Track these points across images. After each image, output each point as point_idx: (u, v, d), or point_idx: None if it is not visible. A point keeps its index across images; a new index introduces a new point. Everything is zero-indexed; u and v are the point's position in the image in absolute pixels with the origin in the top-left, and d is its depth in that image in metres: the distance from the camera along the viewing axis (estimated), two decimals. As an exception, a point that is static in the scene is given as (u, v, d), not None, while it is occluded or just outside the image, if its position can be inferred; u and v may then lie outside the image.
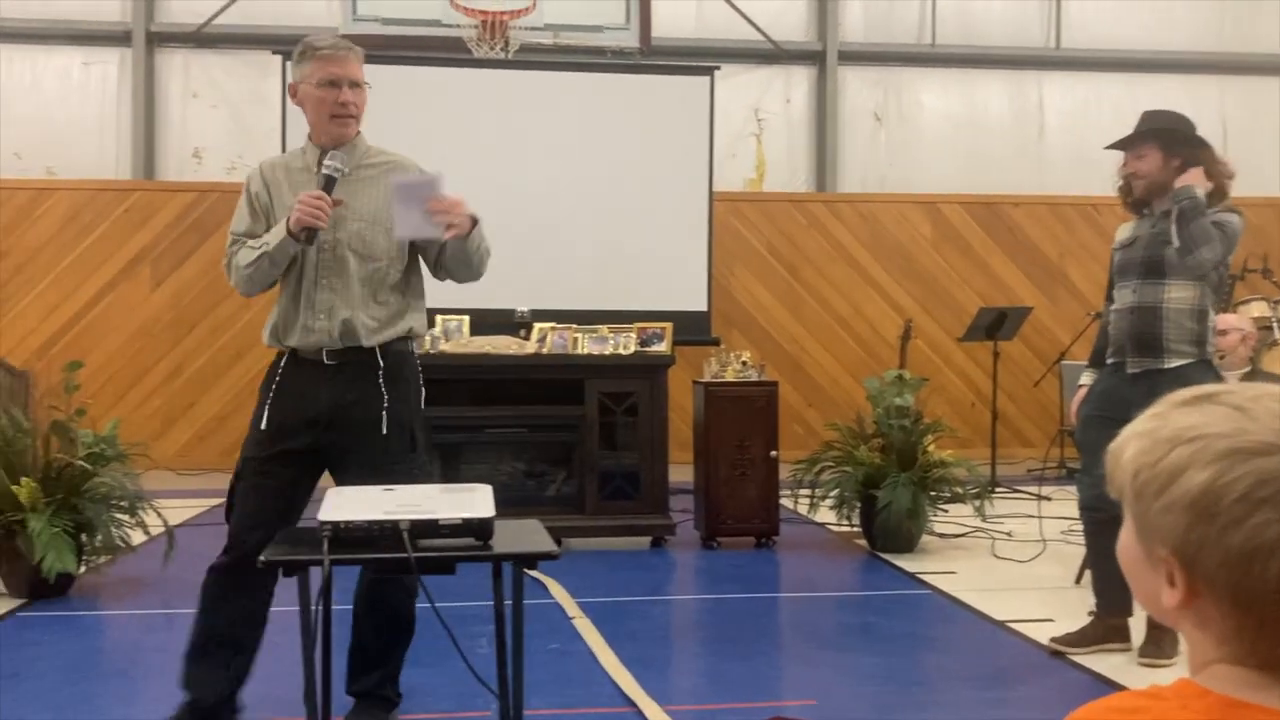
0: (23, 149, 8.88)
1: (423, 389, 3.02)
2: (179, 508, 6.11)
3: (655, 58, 7.97)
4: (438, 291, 6.64)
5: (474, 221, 2.83)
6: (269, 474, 2.86)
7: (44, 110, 8.94)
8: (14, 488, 4.54)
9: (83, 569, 4.69)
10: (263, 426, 2.86)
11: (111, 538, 4.69)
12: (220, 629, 2.88)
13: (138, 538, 4.85)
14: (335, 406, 2.85)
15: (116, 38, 8.95)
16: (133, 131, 8.92)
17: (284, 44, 7.99)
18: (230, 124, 8.82)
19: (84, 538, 4.65)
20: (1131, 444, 0.94)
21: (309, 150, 2.99)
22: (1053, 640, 3.92)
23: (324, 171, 2.81)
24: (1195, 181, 3.68)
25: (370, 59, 7.67)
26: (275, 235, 2.82)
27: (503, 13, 7.08)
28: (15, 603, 4.55)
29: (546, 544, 2.29)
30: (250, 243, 2.91)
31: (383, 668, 2.99)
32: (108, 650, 4.09)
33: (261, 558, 2.24)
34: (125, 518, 4.78)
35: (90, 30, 8.93)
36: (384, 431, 2.85)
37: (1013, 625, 4.25)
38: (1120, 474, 0.94)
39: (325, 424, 2.85)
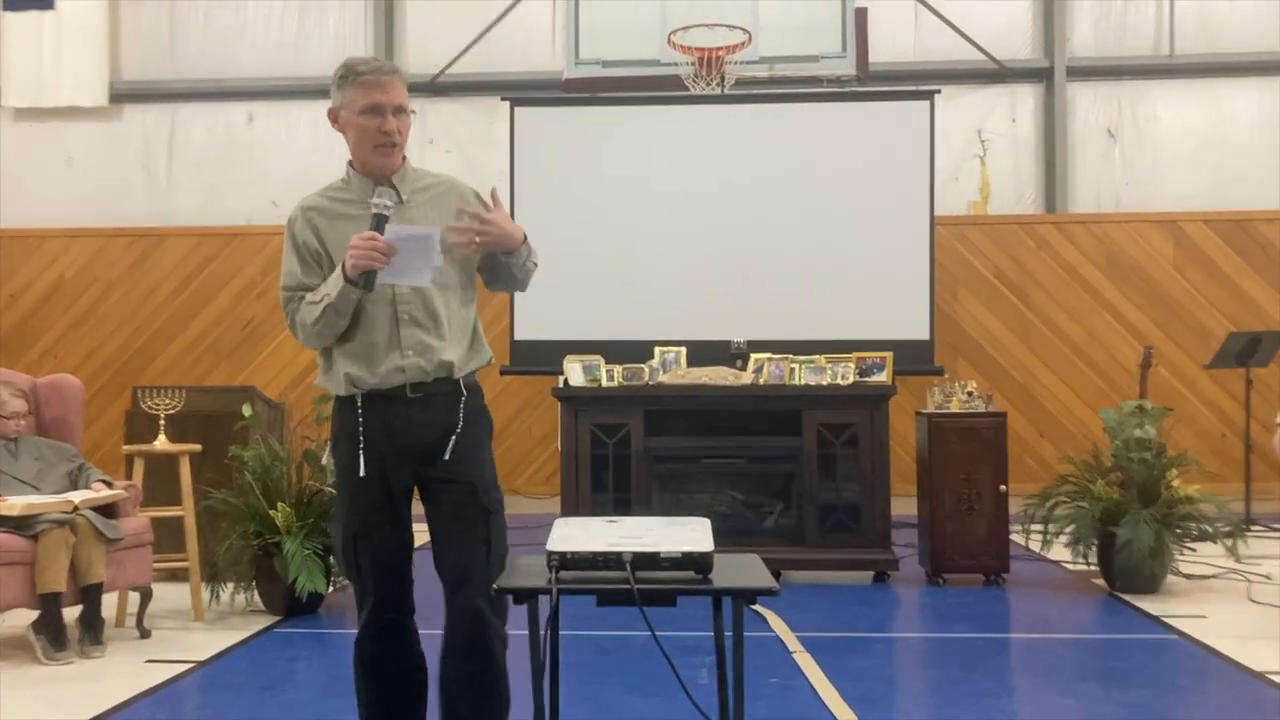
0: (279, 196, 9.62)
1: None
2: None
3: (873, 83, 7.88)
4: (655, 324, 6.81)
5: (523, 238, 2.69)
6: (389, 521, 2.70)
7: (297, 160, 9.66)
8: (272, 512, 4.91)
9: (331, 589, 5.01)
10: (361, 474, 2.66)
11: (356, 560, 4.99)
12: (389, 693, 2.75)
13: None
14: (427, 438, 2.67)
15: (360, 91, 9.60)
16: (375, 177, 9.56)
17: (512, 90, 8.37)
18: (463, 168, 9.27)
19: (331, 559, 4.97)
20: None
21: (354, 181, 2.75)
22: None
23: (373, 210, 2.61)
24: None
25: (592, 100, 7.92)
26: (334, 285, 2.62)
27: (719, 48, 7.17)
28: (273, 619, 4.91)
29: (766, 580, 2.29)
30: (309, 296, 2.70)
31: None
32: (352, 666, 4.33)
33: (495, 586, 2.33)
34: (368, 542, 5.08)
35: (337, 85, 9.62)
36: (478, 459, 2.71)
37: (1272, 676, 3.93)
38: None
39: (420, 457, 2.68)
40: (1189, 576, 5.51)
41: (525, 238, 2.70)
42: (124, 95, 9.75)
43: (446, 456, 2.67)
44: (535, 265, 2.80)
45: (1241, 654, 4.21)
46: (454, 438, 2.68)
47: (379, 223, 2.59)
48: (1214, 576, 5.58)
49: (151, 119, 9.82)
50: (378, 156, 2.70)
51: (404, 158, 2.76)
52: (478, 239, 2.63)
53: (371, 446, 2.67)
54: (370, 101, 2.66)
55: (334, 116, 2.74)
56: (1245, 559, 5.47)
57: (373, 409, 2.68)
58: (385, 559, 2.70)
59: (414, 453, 2.68)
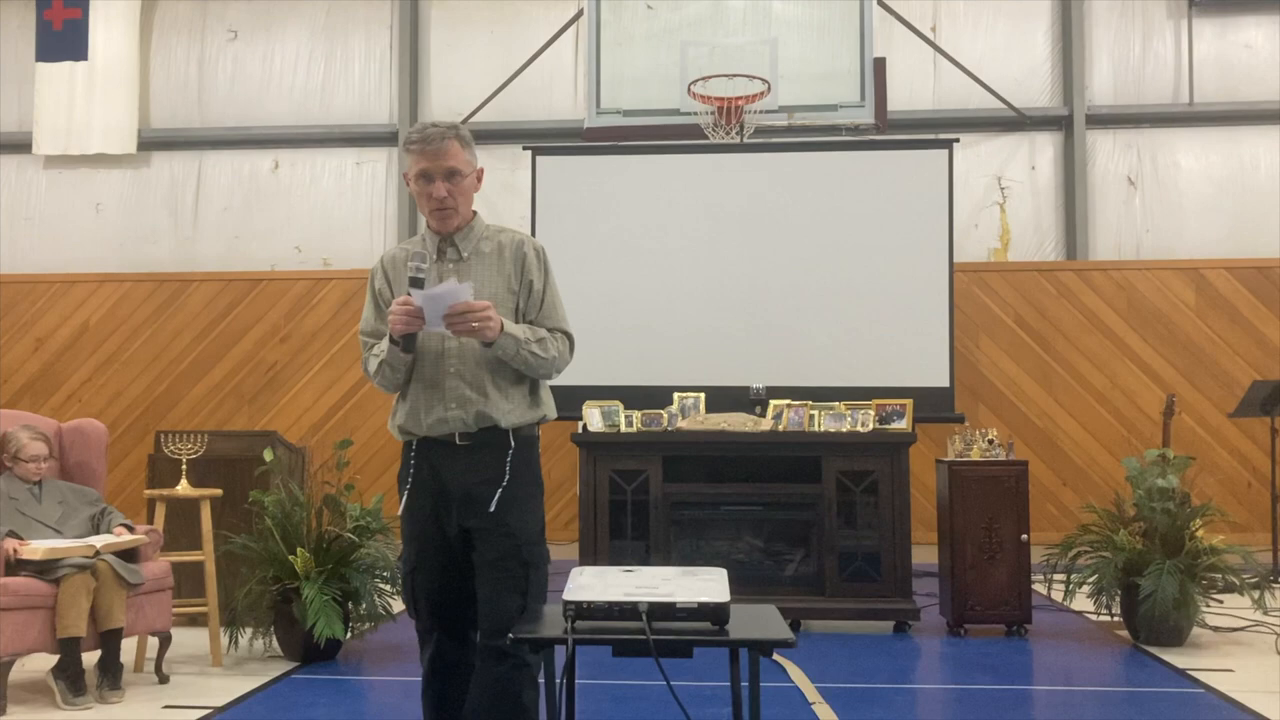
0: (303, 242, 9.74)
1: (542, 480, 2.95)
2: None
3: (892, 131, 7.92)
4: (674, 369, 6.82)
5: (501, 329, 2.74)
6: (445, 561, 2.84)
7: (321, 207, 9.79)
8: (291, 558, 4.92)
9: (349, 635, 5.00)
10: (416, 517, 2.86)
11: (375, 606, 5.00)
12: None
13: (398, 606, 5.13)
14: (470, 485, 2.80)
15: (385, 138, 9.74)
16: (398, 223, 9.67)
17: (533, 139, 8.48)
18: (486, 214, 9.31)
19: (350, 605, 4.97)
20: None
21: (429, 239, 2.94)
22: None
23: (409, 274, 2.75)
24: None
25: (613, 149, 7.99)
26: (384, 342, 2.82)
27: (738, 98, 7.24)
28: (290, 665, 4.90)
29: (783, 632, 2.28)
30: (374, 349, 2.89)
31: None
32: (371, 714, 4.33)
33: (511, 635, 2.33)
34: (387, 587, 5.08)
35: (362, 133, 9.76)
36: (523, 513, 2.81)
37: (1302, 732, 3.87)
38: None
39: (462, 503, 2.80)
40: (1215, 629, 5.43)
41: (503, 332, 2.74)
42: (152, 143, 9.91)
43: (492, 509, 2.78)
44: (545, 358, 2.86)
45: (1270, 709, 4.14)
46: (500, 491, 2.79)
47: (415, 286, 2.74)
48: (1241, 629, 5.50)
49: (178, 166, 9.97)
50: (433, 220, 2.90)
51: (474, 213, 2.97)
52: (474, 324, 2.69)
53: (424, 489, 2.85)
54: (419, 169, 2.85)
55: (406, 180, 2.94)
56: (1273, 611, 5.40)
57: (424, 454, 2.86)
58: (439, 597, 2.86)
59: (458, 498, 2.81)
